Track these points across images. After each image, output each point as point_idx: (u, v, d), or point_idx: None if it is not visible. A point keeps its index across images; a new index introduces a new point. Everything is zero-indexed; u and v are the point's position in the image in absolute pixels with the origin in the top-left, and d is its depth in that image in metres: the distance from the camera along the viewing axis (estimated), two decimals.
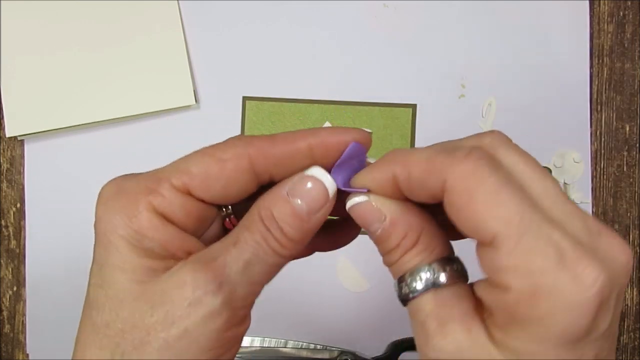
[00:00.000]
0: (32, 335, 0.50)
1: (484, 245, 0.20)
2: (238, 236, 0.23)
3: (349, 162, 0.24)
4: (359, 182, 0.24)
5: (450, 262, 0.23)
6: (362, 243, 0.53)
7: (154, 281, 0.22)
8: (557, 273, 0.18)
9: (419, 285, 0.22)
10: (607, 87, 0.51)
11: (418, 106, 0.51)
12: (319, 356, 0.49)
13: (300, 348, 0.49)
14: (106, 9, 0.51)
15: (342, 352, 0.49)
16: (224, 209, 0.26)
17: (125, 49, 0.50)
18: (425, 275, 0.22)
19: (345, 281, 0.50)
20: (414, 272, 0.22)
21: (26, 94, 0.50)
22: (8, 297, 0.51)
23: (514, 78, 0.51)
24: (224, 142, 0.24)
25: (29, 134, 0.50)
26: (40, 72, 0.50)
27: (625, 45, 0.51)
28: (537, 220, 0.19)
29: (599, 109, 0.51)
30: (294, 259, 0.25)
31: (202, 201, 0.24)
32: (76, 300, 0.50)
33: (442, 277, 0.22)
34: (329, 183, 0.24)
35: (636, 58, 0.51)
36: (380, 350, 0.50)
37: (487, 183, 0.20)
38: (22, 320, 0.50)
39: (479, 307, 0.21)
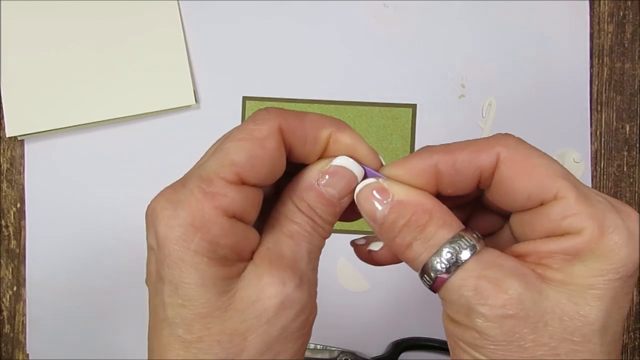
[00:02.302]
0: (32, 335, 0.50)
1: (546, 202, 0.22)
2: (289, 228, 0.24)
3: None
4: (393, 171, 0.25)
5: (472, 230, 0.23)
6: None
7: (235, 288, 0.22)
8: (615, 215, 0.21)
9: (463, 253, 0.22)
10: (607, 87, 0.51)
11: (418, 106, 0.51)
12: (319, 356, 0.49)
13: None
14: (106, 8, 0.51)
15: (342, 352, 0.49)
16: None
17: (125, 49, 0.50)
18: (465, 243, 0.22)
19: (345, 281, 0.50)
20: (450, 243, 0.22)
21: (26, 94, 0.50)
22: (8, 297, 0.50)
23: (514, 78, 0.51)
24: (252, 120, 0.24)
25: (29, 134, 0.50)
26: (40, 72, 0.50)
27: (625, 45, 0.51)
28: (576, 179, 0.22)
29: (599, 109, 0.51)
30: None
31: (255, 186, 0.23)
32: (76, 301, 0.50)
33: (479, 242, 0.22)
34: (358, 170, 0.25)
35: (636, 58, 0.51)
36: (380, 350, 0.50)
37: (537, 150, 0.23)
38: (22, 320, 0.50)
39: (521, 261, 0.22)
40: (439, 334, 0.50)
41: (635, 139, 0.51)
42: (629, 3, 0.51)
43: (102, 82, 0.50)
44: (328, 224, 0.25)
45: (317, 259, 0.25)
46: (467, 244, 0.22)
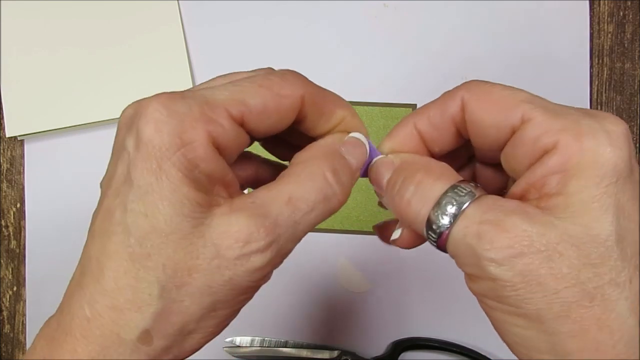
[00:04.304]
0: (32, 335, 0.50)
1: (516, 129, 0.22)
2: (292, 193, 0.23)
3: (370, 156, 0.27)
4: (385, 146, 0.26)
5: (469, 180, 0.23)
6: (362, 243, 0.53)
7: (202, 220, 0.21)
8: (589, 120, 0.21)
9: (463, 202, 0.21)
10: (607, 87, 0.51)
11: (418, 106, 0.51)
12: (319, 356, 0.49)
13: (300, 348, 0.49)
14: (106, 8, 0.51)
15: (342, 352, 0.49)
16: None
17: (125, 49, 0.50)
18: (463, 191, 0.21)
19: (345, 281, 0.50)
20: (447, 194, 0.22)
21: (26, 94, 0.50)
22: (8, 297, 0.51)
23: (514, 78, 0.51)
24: (280, 75, 0.24)
25: (29, 134, 0.50)
26: (40, 72, 0.50)
27: (625, 45, 0.51)
28: (544, 100, 0.22)
29: (599, 109, 0.51)
30: None
31: (250, 133, 0.23)
32: None
33: (477, 189, 0.22)
34: (367, 148, 0.26)
35: (636, 58, 0.51)
36: (380, 350, 0.50)
37: (499, 85, 0.23)
38: (22, 320, 0.50)
39: (520, 200, 0.22)
40: (439, 334, 0.50)
41: (635, 139, 0.51)
42: (629, 3, 0.51)
43: (102, 82, 0.50)
44: (344, 194, 0.24)
45: (305, 231, 0.23)
46: (465, 192, 0.21)
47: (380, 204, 0.27)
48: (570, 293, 0.19)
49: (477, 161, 0.27)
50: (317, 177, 0.23)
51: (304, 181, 0.23)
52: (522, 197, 0.22)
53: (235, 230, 0.21)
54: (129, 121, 0.22)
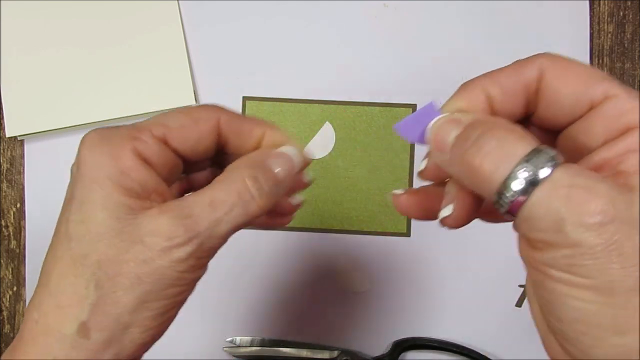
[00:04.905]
0: None
1: (595, 104, 0.22)
2: (215, 195, 0.26)
3: (421, 119, 0.25)
4: (450, 105, 0.25)
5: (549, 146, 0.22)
6: (362, 243, 0.53)
7: (132, 220, 0.24)
8: None
9: (547, 165, 0.20)
10: None
11: (418, 106, 0.51)
12: (319, 356, 0.49)
13: (300, 348, 0.49)
14: (106, 8, 0.51)
15: (342, 352, 0.49)
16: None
17: (125, 49, 0.50)
18: (547, 155, 0.20)
19: (345, 281, 0.50)
20: (533, 154, 0.20)
21: (26, 94, 0.50)
22: (8, 297, 0.51)
23: None
24: (198, 105, 0.29)
25: (29, 134, 0.50)
26: (40, 72, 0.50)
27: (625, 45, 0.51)
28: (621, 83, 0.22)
29: None
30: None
31: (175, 152, 0.27)
32: None
33: (560, 156, 0.21)
34: (298, 161, 0.29)
35: (636, 58, 0.51)
36: (380, 350, 0.50)
37: (576, 61, 0.23)
38: (22, 321, 0.50)
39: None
40: (439, 334, 0.50)
41: None
42: (629, 3, 0.51)
43: (102, 82, 0.50)
44: (266, 201, 0.26)
45: (229, 231, 0.26)
46: (549, 155, 0.20)
47: (424, 173, 0.26)
48: None
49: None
50: (237, 183, 0.26)
51: (225, 186, 0.26)
52: (596, 171, 0.22)
53: (160, 228, 0.24)
54: (78, 150, 0.26)
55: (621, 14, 0.51)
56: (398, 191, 0.27)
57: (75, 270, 0.24)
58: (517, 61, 0.24)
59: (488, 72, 0.24)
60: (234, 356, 0.49)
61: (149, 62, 0.50)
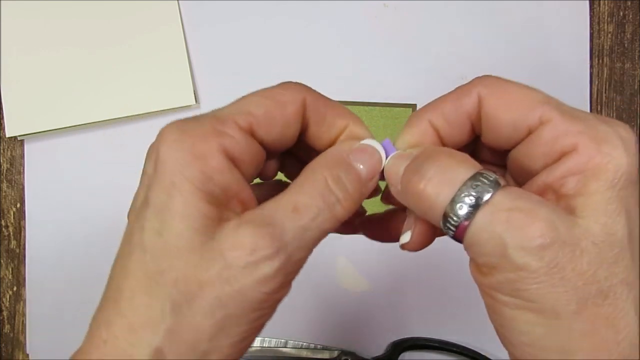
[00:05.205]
0: (32, 335, 0.50)
1: (533, 129, 0.22)
2: (297, 201, 0.23)
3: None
4: (400, 141, 0.25)
5: (490, 169, 0.22)
6: (362, 243, 0.53)
7: (211, 234, 0.21)
8: (604, 125, 0.21)
9: (488, 189, 0.20)
10: (607, 87, 0.51)
11: (418, 106, 0.51)
12: (319, 356, 0.49)
13: (300, 348, 0.49)
14: (106, 8, 0.51)
15: (342, 352, 0.49)
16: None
17: (125, 49, 0.50)
18: (488, 179, 0.21)
19: (345, 281, 0.50)
20: (472, 179, 0.21)
21: (26, 94, 0.50)
22: (8, 297, 0.51)
23: (514, 78, 0.50)
24: (281, 85, 0.25)
25: (29, 134, 0.50)
26: (40, 72, 0.50)
27: (625, 45, 0.51)
28: (559, 101, 0.23)
29: (599, 109, 0.51)
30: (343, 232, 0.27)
31: (261, 144, 0.24)
32: (76, 300, 0.50)
33: (502, 179, 0.21)
34: (383, 153, 0.25)
35: (636, 58, 0.51)
36: (380, 350, 0.50)
37: (516, 83, 0.24)
38: (22, 320, 0.50)
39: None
40: (439, 334, 0.50)
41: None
42: (629, 3, 0.51)
43: (102, 82, 0.50)
44: (352, 202, 0.24)
45: (315, 239, 0.23)
46: (491, 179, 0.21)
47: (386, 198, 0.27)
48: (587, 290, 0.19)
49: (479, 160, 0.27)
50: (319, 184, 0.23)
51: (307, 189, 0.23)
52: (539, 194, 0.22)
53: (242, 240, 0.21)
54: (150, 150, 0.23)
55: (621, 14, 0.51)
56: (405, 238, 0.27)
57: (149, 288, 0.21)
58: (458, 88, 0.25)
59: (432, 102, 0.25)
60: None
61: (149, 62, 0.50)
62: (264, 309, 0.22)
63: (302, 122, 0.25)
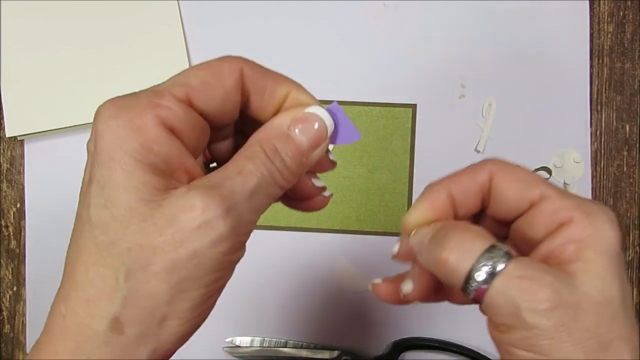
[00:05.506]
0: (32, 335, 0.50)
1: (534, 203, 0.25)
2: (242, 166, 0.23)
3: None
4: (421, 212, 0.27)
5: (502, 242, 0.25)
6: (362, 243, 0.53)
7: (160, 201, 0.22)
8: (591, 203, 0.25)
9: (502, 260, 0.23)
10: (607, 87, 0.51)
11: (418, 106, 0.51)
12: (319, 356, 0.49)
13: (300, 348, 0.49)
14: (106, 8, 0.51)
15: (342, 352, 0.49)
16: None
17: (125, 49, 0.50)
18: (502, 250, 0.23)
19: (345, 281, 0.50)
20: (489, 251, 0.23)
21: (26, 94, 0.50)
22: (8, 297, 0.51)
23: (514, 78, 0.51)
24: (218, 58, 0.25)
25: (29, 134, 0.50)
26: (40, 72, 0.50)
27: (625, 45, 0.51)
28: (553, 183, 0.26)
29: (599, 109, 0.51)
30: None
31: (202, 115, 0.24)
32: None
33: (512, 250, 0.24)
34: (329, 122, 0.25)
35: (636, 58, 0.51)
36: (380, 350, 0.50)
37: (519, 166, 0.26)
38: (22, 320, 0.50)
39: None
40: (439, 334, 0.50)
41: (635, 139, 0.51)
42: (629, 3, 0.51)
43: (102, 82, 0.50)
44: (290, 173, 0.24)
45: (264, 203, 0.24)
46: (504, 251, 0.23)
47: (399, 257, 0.29)
48: (591, 344, 0.22)
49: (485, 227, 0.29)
50: (259, 154, 0.24)
51: (250, 157, 0.24)
52: (543, 262, 0.24)
53: (193, 202, 0.22)
54: (93, 124, 0.23)
55: (621, 14, 0.51)
56: (377, 280, 0.29)
57: (102, 260, 0.22)
58: (471, 165, 0.27)
59: (449, 176, 0.27)
60: (234, 356, 0.49)
61: (149, 62, 0.50)
62: (221, 271, 0.23)
63: (243, 93, 0.25)
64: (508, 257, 0.23)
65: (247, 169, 0.23)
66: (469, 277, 0.23)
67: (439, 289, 0.29)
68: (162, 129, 0.22)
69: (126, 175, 0.22)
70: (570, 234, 0.24)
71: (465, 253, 0.24)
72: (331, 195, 0.29)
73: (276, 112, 0.26)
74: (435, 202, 0.27)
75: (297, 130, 0.25)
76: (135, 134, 0.22)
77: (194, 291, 0.22)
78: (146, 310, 0.22)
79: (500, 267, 0.23)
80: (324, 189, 0.28)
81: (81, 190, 0.24)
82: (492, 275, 0.23)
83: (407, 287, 0.28)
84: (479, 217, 0.29)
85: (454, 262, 0.24)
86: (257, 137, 0.25)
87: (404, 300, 0.28)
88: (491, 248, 0.24)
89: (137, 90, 0.25)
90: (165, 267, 0.22)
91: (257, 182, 0.23)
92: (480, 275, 0.23)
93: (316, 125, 0.25)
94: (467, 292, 0.24)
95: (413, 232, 0.27)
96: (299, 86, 0.26)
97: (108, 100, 0.23)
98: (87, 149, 0.23)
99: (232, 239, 0.22)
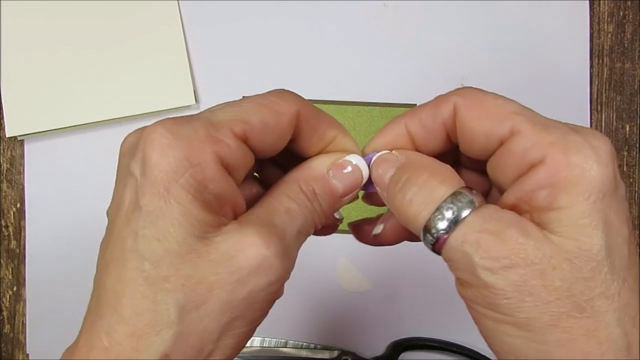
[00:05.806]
0: (32, 335, 0.50)
1: (504, 140, 0.22)
2: (287, 204, 0.24)
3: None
4: (375, 143, 0.26)
5: (471, 188, 0.23)
6: (362, 243, 0.53)
7: (213, 238, 0.21)
8: (576, 135, 0.21)
9: (463, 210, 0.21)
10: (607, 87, 0.51)
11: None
12: (319, 356, 0.49)
13: (300, 348, 0.49)
14: (106, 8, 0.51)
15: (342, 352, 0.49)
16: None
17: (125, 49, 0.50)
18: (464, 199, 0.21)
19: (345, 281, 0.50)
20: (449, 199, 0.22)
21: (26, 94, 0.50)
22: (8, 297, 0.51)
23: (514, 78, 0.51)
24: (276, 94, 0.24)
25: (29, 134, 0.50)
26: (40, 72, 0.50)
27: (625, 45, 0.51)
28: (533, 112, 0.23)
29: (599, 109, 0.51)
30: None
31: (253, 152, 0.24)
32: (76, 301, 0.50)
33: (478, 198, 0.22)
34: (365, 172, 0.26)
35: (636, 58, 0.51)
36: (380, 350, 0.50)
37: (492, 94, 0.23)
38: (22, 320, 0.50)
39: (516, 213, 0.22)
40: (439, 334, 0.50)
41: (635, 139, 0.51)
42: (629, 3, 0.51)
43: (102, 82, 0.50)
44: (324, 215, 0.25)
45: (302, 242, 0.24)
46: (466, 199, 0.22)
47: (366, 199, 0.28)
48: (561, 304, 0.20)
49: (462, 166, 0.27)
50: (297, 193, 0.24)
51: (292, 195, 0.24)
52: (513, 209, 0.22)
53: (250, 241, 0.21)
54: (133, 147, 0.22)
55: (621, 14, 0.51)
56: (377, 230, 0.28)
57: (154, 295, 0.21)
58: (436, 97, 0.25)
59: (411, 110, 0.26)
60: None
61: (149, 62, 0.50)
62: (268, 308, 0.23)
63: (294, 131, 0.25)
64: (472, 205, 0.21)
65: (293, 208, 0.24)
66: (427, 228, 0.22)
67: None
68: (219, 168, 0.22)
69: (181, 210, 0.21)
70: (540, 178, 0.21)
71: (424, 203, 0.22)
72: (342, 218, 0.29)
73: (319, 153, 0.26)
74: (390, 137, 0.26)
75: (334, 175, 0.25)
76: (194, 169, 0.21)
77: (242, 328, 0.22)
78: (195, 348, 0.22)
79: (463, 216, 0.21)
80: (341, 220, 0.29)
81: (116, 211, 0.23)
82: (453, 224, 0.21)
83: (377, 228, 0.27)
84: (459, 153, 0.26)
85: (413, 211, 0.23)
86: (296, 176, 0.25)
87: (375, 242, 0.28)
88: (455, 194, 0.22)
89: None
90: (220, 306, 0.21)
91: (303, 222, 0.24)
92: (439, 225, 0.22)
93: (353, 174, 0.25)
94: (426, 242, 0.23)
95: (373, 160, 0.26)
96: (345, 132, 0.26)
97: (160, 123, 0.22)
98: (128, 168, 0.23)
99: (285, 279, 0.23)
